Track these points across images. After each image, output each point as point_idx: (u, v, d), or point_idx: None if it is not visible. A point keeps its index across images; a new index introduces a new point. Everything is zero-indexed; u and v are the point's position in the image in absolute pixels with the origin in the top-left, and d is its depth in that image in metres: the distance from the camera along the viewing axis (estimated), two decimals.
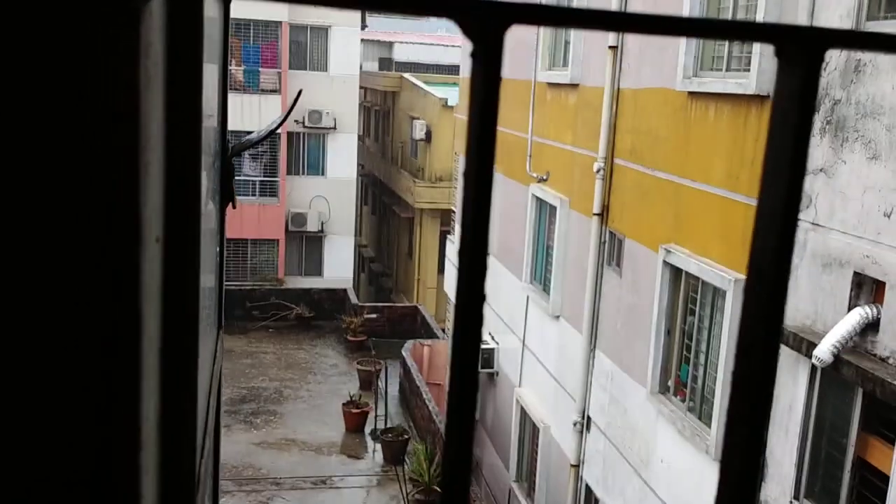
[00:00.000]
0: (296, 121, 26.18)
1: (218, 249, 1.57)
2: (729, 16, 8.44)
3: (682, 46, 8.99)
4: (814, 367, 6.69)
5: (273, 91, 25.86)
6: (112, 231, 0.47)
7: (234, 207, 1.67)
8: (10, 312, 0.48)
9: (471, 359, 0.44)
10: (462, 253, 0.40)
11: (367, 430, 18.25)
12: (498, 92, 0.42)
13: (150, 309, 0.55)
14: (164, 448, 0.76)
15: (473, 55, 0.41)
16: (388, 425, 17.93)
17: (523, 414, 13.78)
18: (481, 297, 0.45)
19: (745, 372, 0.49)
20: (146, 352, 0.53)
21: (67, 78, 0.43)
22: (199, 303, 0.88)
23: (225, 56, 1.70)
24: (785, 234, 0.42)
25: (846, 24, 6.63)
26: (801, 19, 7.05)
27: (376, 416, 18.19)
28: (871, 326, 6.19)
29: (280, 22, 25.89)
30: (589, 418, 11.38)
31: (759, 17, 7.58)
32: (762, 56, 7.57)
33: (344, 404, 18.50)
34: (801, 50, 0.43)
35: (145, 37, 0.45)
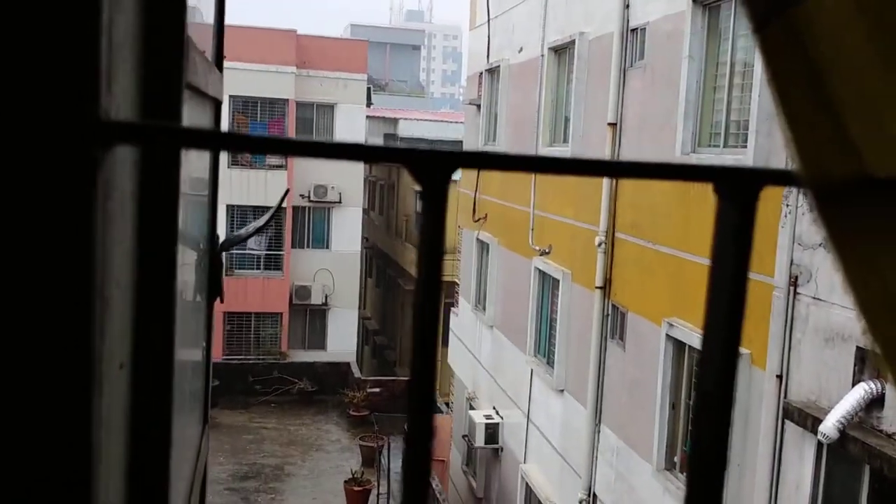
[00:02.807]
0: (301, 195, 26.45)
1: (205, 345, 1.58)
2: (724, 97, 8.59)
3: (681, 122, 9.12)
4: (820, 444, 6.59)
5: (279, 167, 26.19)
6: (65, 359, 0.48)
7: (221, 302, 1.69)
8: None
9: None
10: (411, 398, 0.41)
11: None
12: (444, 227, 0.44)
13: (112, 440, 0.56)
14: None
15: (422, 196, 0.44)
16: None
17: (529, 491, 13.53)
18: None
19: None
20: (103, 482, 0.53)
21: (30, 227, 0.45)
22: (171, 431, 0.88)
23: (216, 153, 1.74)
24: (727, 370, 0.43)
25: None
26: None
27: (378, 494, 17.85)
28: (877, 402, 6.12)
29: (287, 99, 26.38)
30: (595, 495, 11.17)
31: (755, 98, 7.72)
32: (758, 133, 7.68)
33: (346, 482, 18.18)
34: (737, 189, 0.44)
35: (111, 180, 0.47)
